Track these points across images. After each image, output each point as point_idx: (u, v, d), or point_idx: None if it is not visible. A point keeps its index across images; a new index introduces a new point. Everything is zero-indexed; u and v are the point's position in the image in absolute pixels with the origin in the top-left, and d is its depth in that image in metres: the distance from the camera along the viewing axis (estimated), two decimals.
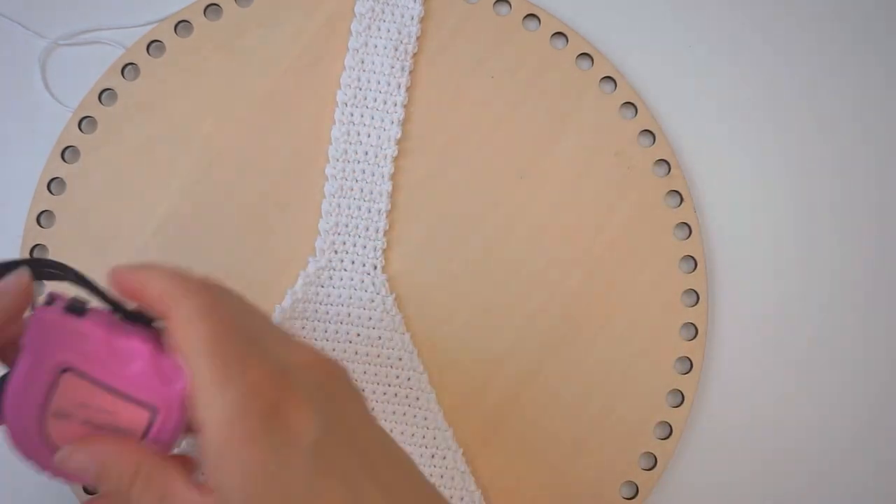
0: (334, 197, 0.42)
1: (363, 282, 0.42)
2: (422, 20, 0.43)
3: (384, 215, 0.42)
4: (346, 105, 0.42)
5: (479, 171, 0.43)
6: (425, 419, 0.41)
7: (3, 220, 0.42)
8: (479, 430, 0.41)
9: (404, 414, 0.41)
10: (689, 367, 0.43)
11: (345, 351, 0.41)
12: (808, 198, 0.45)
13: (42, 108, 0.43)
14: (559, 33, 0.44)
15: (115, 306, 0.28)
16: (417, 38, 0.43)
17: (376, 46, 0.43)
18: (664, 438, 0.42)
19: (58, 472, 0.27)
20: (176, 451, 0.28)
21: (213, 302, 0.26)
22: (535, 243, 0.43)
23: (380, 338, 0.41)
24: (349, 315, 0.41)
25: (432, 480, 0.38)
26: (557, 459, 0.41)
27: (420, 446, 0.41)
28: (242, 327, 0.26)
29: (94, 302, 0.27)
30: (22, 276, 0.27)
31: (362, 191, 0.42)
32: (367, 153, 0.42)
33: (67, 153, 0.42)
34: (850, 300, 0.45)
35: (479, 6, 0.44)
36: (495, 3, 0.44)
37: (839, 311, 0.45)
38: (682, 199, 0.44)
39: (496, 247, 0.43)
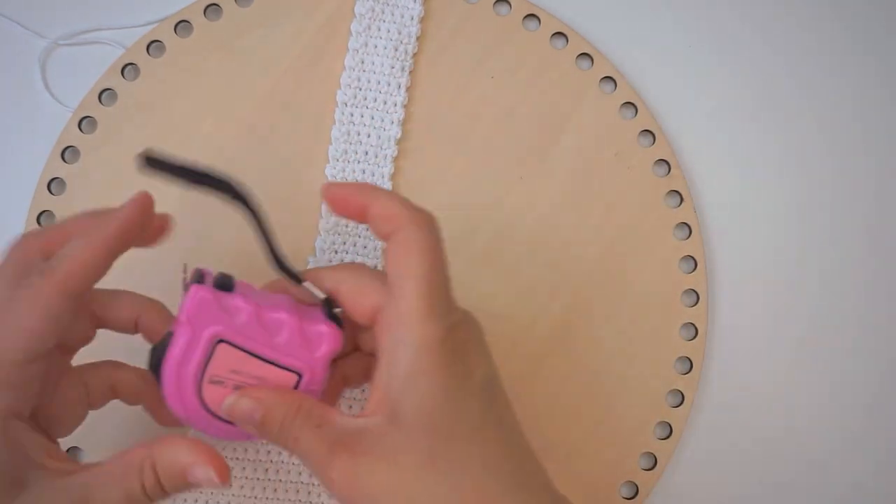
0: None
1: None
2: (422, 20, 0.43)
3: None
4: (346, 105, 0.42)
5: (479, 172, 0.43)
6: None
7: (3, 220, 0.42)
8: None
9: None
10: (689, 367, 0.43)
11: None
12: (808, 198, 0.45)
13: (42, 108, 0.43)
14: (559, 33, 0.44)
15: (289, 273, 0.32)
16: (417, 38, 0.43)
17: (376, 46, 0.43)
18: (664, 438, 0.42)
19: (210, 427, 0.31)
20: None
21: (437, 236, 0.30)
22: (535, 243, 0.43)
23: None
24: None
25: None
26: (557, 459, 0.41)
27: None
28: (447, 268, 0.30)
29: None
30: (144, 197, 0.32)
31: None
32: (367, 153, 0.42)
33: (67, 153, 0.42)
34: (849, 300, 0.45)
35: (479, 6, 0.44)
36: (495, 3, 0.44)
37: (839, 312, 0.45)
38: (682, 199, 0.44)
39: (496, 247, 0.43)
